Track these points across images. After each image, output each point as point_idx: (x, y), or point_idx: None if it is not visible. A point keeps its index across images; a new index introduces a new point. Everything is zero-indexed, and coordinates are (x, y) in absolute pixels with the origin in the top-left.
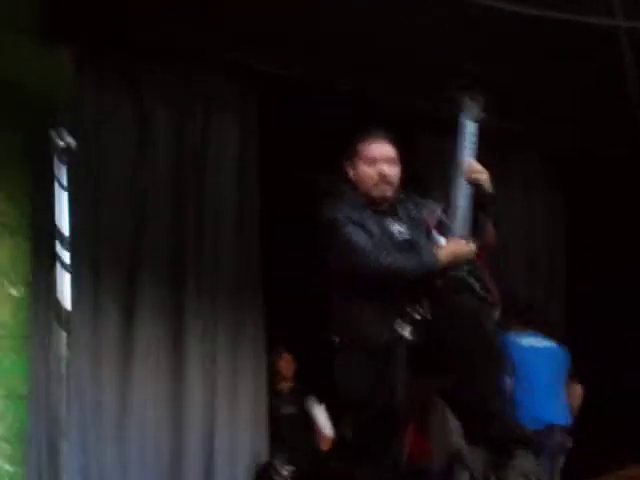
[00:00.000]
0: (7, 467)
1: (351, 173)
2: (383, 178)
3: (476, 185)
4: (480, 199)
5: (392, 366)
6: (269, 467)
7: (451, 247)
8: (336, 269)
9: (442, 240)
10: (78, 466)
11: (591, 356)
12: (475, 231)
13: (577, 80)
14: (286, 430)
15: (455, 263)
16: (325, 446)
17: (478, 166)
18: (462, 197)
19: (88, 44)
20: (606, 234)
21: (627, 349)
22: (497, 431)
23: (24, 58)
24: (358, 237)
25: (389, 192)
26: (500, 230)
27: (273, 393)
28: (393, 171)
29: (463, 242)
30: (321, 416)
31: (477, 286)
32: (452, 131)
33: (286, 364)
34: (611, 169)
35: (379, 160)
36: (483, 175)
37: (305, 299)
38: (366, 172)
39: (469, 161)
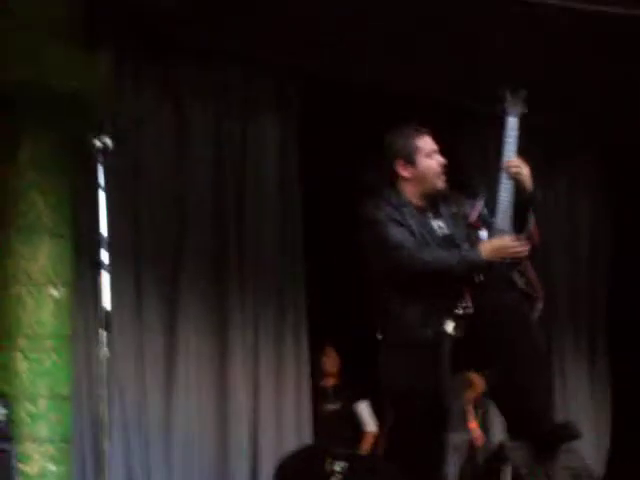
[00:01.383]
0: (51, 467)
1: (408, 170)
2: (444, 168)
3: (517, 181)
4: (521, 195)
5: (436, 362)
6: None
7: (495, 243)
8: (379, 268)
9: (484, 235)
10: (122, 466)
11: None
12: (519, 228)
13: (623, 76)
14: (330, 426)
15: (499, 259)
16: (368, 443)
17: (518, 161)
18: (504, 192)
19: (127, 48)
20: None
21: None
22: (542, 427)
23: (64, 62)
24: (400, 236)
25: (444, 183)
26: (545, 228)
27: (317, 390)
28: (444, 162)
29: (507, 238)
30: (365, 413)
31: (521, 282)
32: (493, 127)
33: (330, 361)
34: None
35: (436, 151)
36: (523, 170)
37: (349, 297)
38: (430, 165)
39: (509, 156)
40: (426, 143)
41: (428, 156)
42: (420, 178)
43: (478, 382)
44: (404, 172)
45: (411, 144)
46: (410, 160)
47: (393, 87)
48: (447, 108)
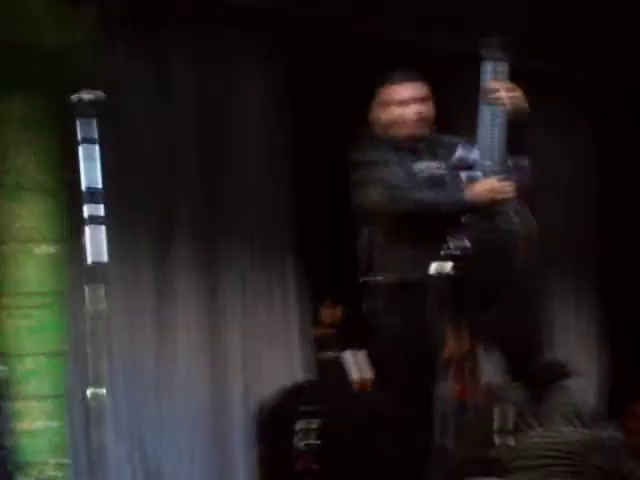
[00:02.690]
0: (49, 423)
1: (382, 117)
2: (420, 117)
3: (509, 110)
4: (513, 124)
5: (422, 305)
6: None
7: (485, 184)
8: (369, 209)
9: (465, 176)
10: (119, 420)
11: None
12: (511, 168)
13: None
14: (325, 375)
15: (491, 201)
16: (361, 389)
17: (500, 84)
18: (485, 124)
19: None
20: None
21: None
22: (534, 366)
23: (45, 18)
24: (389, 175)
25: (426, 130)
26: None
27: (315, 340)
28: (427, 110)
29: (497, 180)
30: (348, 361)
31: (516, 222)
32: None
33: (327, 312)
34: None
35: (413, 100)
36: (513, 93)
37: (342, 243)
38: (402, 112)
39: (490, 82)
40: (402, 91)
41: (402, 104)
42: (395, 125)
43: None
44: (383, 118)
45: (388, 91)
46: (387, 107)
47: (383, 34)
48: (436, 54)
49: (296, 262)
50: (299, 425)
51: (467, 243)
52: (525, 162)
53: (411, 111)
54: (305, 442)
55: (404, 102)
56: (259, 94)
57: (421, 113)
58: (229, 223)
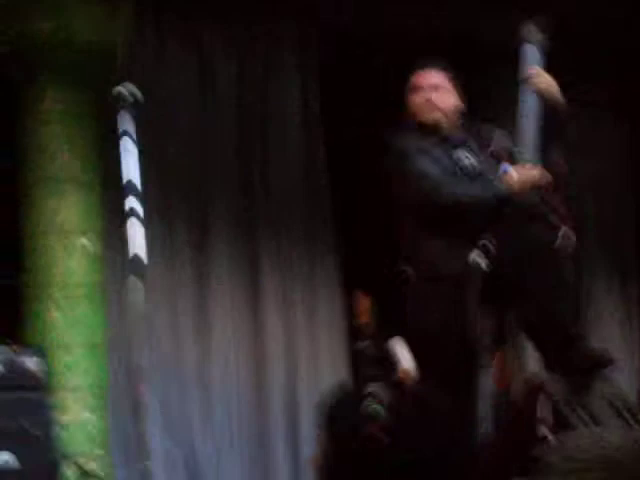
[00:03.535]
0: (88, 415)
1: (408, 105)
2: (428, 103)
3: (544, 97)
4: (550, 112)
5: (467, 297)
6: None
7: (520, 174)
8: (407, 201)
9: (506, 167)
10: (160, 413)
11: None
12: (545, 158)
13: None
14: (364, 365)
15: (524, 190)
16: (406, 380)
17: (542, 72)
18: (530, 116)
19: None
20: None
21: None
22: (575, 356)
23: (85, 14)
24: (428, 167)
25: (439, 116)
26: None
27: (352, 330)
28: (439, 97)
29: (532, 168)
30: (400, 350)
31: (549, 214)
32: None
33: (361, 302)
34: None
35: (424, 87)
36: (549, 79)
37: (379, 236)
38: (414, 101)
39: (533, 67)
40: (415, 79)
41: (415, 92)
42: (412, 111)
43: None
44: (406, 105)
45: (410, 79)
46: (407, 95)
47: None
48: (472, 45)
49: (334, 254)
50: (369, 389)
51: (503, 236)
52: (559, 151)
53: (420, 97)
54: (374, 406)
55: (416, 89)
56: (297, 90)
57: (429, 100)
58: (269, 219)
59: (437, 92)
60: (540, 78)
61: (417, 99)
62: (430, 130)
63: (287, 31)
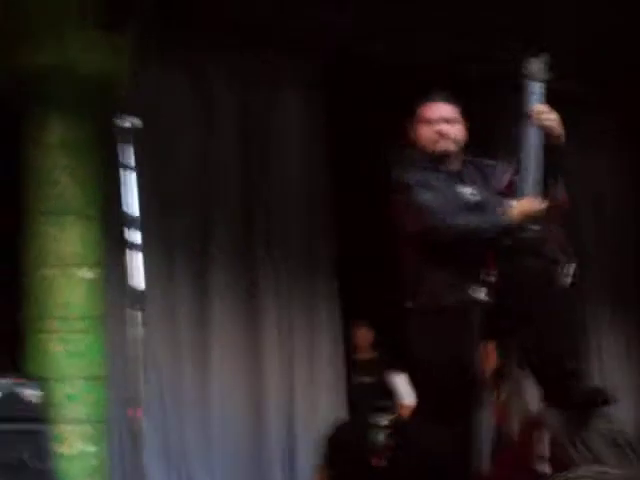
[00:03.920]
0: (87, 447)
1: (413, 136)
2: (441, 135)
3: (546, 133)
4: (552, 147)
5: (464, 329)
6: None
7: (522, 206)
8: (409, 233)
9: (513, 202)
10: (158, 445)
11: None
12: (547, 190)
13: None
14: (363, 398)
15: (525, 221)
16: (406, 414)
17: (547, 108)
18: (531, 147)
19: (148, 27)
20: None
21: None
22: (575, 392)
23: (87, 44)
24: (430, 199)
25: (451, 147)
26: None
27: (352, 363)
28: (452, 129)
29: (534, 200)
30: (401, 384)
31: (551, 248)
32: (521, 91)
33: (362, 334)
34: None
35: (437, 120)
36: (552, 116)
37: (380, 268)
38: (425, 132)
39: (538, 104)
40: (427, 111)
41: (427, 124)
42: (422, 142)
43: (492, 355)
44: (414, 136)
45: (419, 110)
46: (416, 125)
47: (419, 58)
48: (474, 76)
49: (334, 286)
50: (372, 419)
51: (504, 269)
52: (560, 185)
53: (434, 129)
54: (377, 437)
55: (429, 121)
56: (299, 116)
57: (441, 131)
58: (268, 249)
59: (448, 124)
60: (545, 115)
61: (427, 131)
62: (436, 162)
63: (290, 62)
